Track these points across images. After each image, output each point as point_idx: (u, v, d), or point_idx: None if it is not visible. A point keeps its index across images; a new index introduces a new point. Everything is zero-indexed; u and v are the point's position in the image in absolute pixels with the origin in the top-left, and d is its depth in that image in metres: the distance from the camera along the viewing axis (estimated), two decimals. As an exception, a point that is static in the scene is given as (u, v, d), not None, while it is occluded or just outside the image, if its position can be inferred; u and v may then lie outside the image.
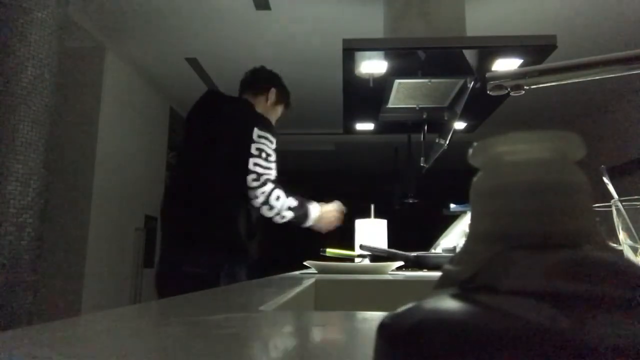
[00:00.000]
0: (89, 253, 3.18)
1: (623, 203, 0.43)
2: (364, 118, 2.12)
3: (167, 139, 4.55)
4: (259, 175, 1.60)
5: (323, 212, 1.78)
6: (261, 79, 1.90)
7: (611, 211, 0.44)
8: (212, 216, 1.64)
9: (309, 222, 1.74)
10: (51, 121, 2.19)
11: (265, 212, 1.62)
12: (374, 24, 2.68)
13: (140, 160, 4.00)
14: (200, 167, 1.67)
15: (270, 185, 1.61)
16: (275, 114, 1.90)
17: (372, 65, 1.58)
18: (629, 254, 0.43)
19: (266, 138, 1.66)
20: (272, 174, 1.65)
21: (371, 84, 1.68)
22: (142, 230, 3.97)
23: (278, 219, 1.65)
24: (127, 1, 2.95)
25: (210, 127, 1.72)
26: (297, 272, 1.22)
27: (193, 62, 3.80)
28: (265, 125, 1.69)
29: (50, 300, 2.95)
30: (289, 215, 1.66)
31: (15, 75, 2.06)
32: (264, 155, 1.64)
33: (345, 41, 1.51)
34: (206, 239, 1.62)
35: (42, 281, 2.19)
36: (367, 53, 1.51)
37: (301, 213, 1.70)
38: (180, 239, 1.66)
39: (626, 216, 0.42)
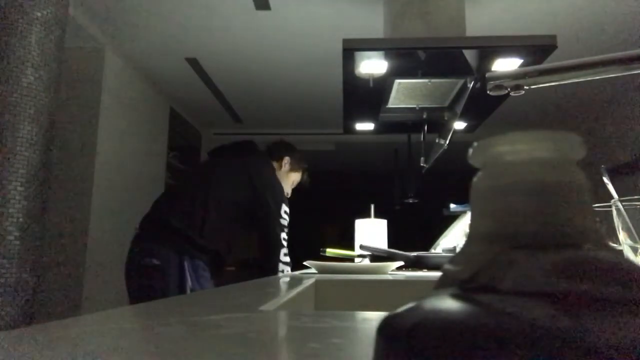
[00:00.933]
0: (89, 253, 3.18)
1: (623, 203, 0.43)
2: (364, 118, 2.12)
3: (167, 139, 4.55)
4: (280, 242, 1.93)
5: None
6: (277, 147, 2.14)
7: (611, 211, 0.44)
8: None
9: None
10: (51, 121, 2.19)
11: (278, 257, 1.90)
12: (374, 24, 2.67)
13: (140, 160, 4.00)
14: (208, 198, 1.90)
15: (283, 243, 1.93)
16: (290, 181, 2.12)
17: (372, 65, 1.58)
18: (629, 254, 0.43)
19: (285, 212, 1.96)
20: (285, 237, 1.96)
21: (371, 84, 1.68)
22: (142, 230, 3.96)
23: (279, 266, 1.89)
24: (127, 1, 2.95)
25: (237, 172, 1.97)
26: (297, 272, 1.21)
27: (193, 62, 3.80)
28: (284, 200, 1.98)
29: (50, 300, 2.95)
30: (286, 269, 1.90)
31: (15, 75, 2.06)
32: (285, 229, 1.96)
33: (345, 41, 1.51)
34: (164, 229, 1.85)
35: (42, 281, 2.19)
36: (367, 53, 1.51)
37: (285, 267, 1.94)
38: (145, 232, 1.93)
39: (626, 216, 0.42)
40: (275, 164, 2.06)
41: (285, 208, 1.93)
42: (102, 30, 3.31)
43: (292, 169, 2.10)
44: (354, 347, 0.25)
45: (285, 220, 1.92)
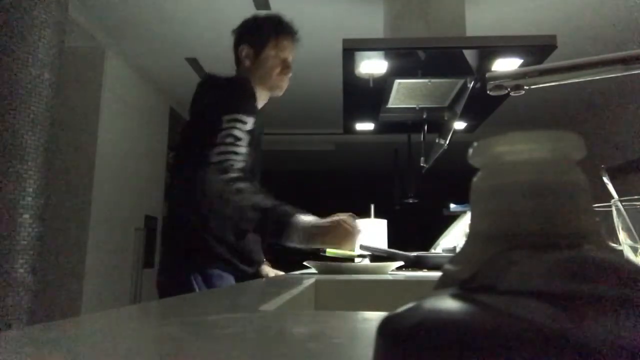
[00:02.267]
0: (89, 253, 3.18)
1: (623, 203, 0.43)
2: (364, 118, 2.12)
3: (167, 139, 4.55)
4: (222, 161, 1.23)
5: (315, 227, 1.21)
6: (234, 46, 1.52)
7: (611, 211, 0.44)
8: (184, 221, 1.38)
9: (288, 240, 1.20)
10: (51, 121, 2.19)
11: (220, 205, 1.21)
12: (374, 24, 2.67)
13: (140, 160, 4.00)
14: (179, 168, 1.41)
15: (232, 172, 1.23)
16: (269, 64, 1.45)
17: (372, 65, 1.58)
18: (629, 254, 0.43)
19: (235, 121, 1.29)
20: (239, 162, 1.26)
21: (371, 84, 1.68)
22: (142, 230, 3.96)
23: (237, 216, 1.21)
24: (127, 1, 2.95)
25: (191, 114, 1.46)
26: (297, 272, 1.21)
27: (193, 62, 3.80)
28: (235, 105, 1.33)
29: (50, 300, 2.95)
30: (254, 217, 1.19)
31: (15, 75, 2.06)
32: (229, 139, 1.27)
33: (345, 41, 1.51)
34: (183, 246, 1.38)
35: (42, 281, 2.19)
36: (367, 53, 1.51)
37: (270, 219, 1.20)
38: (169, 247, 1.44)
39: (626, 216, 0.42)
40: (241, 67, 1.48)
41: (241, 117, 1.29)
42: (102, 30, 3.31)
43: (258, 47, 1.45)
44: (354, 347, 0.25)
45: (239, 132, 1.27)
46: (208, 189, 1.20)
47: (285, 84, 1.51)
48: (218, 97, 1.37)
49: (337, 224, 1.21)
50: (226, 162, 1.23)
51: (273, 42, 1.47)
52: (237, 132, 1.27)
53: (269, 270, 1.57)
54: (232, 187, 1.19)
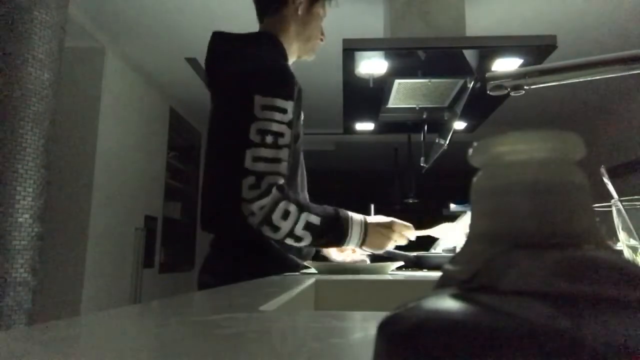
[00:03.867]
0: (89, 253, 3.18)
1: (623, 203, 0.43)
2: (364, 118, 2.12)
3: (167, 139, 4.55)
4: (260, 175, 1.06)
5: (372, 227, 1.17)
6: None
7: (611, 211, 0.44)
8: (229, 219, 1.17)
9: (351, 243, 1.15)
10: (51, 121, 2.19)
11: (269, 234, 1.08)
12: (374, 24, 2.67)
13: (140, 160, 4.00)
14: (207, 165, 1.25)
15: (275, 194, 1.07)
16: (315, 24, 1.31)
17: (372, 65, 1.58)
18: (629, 254, 0.43)
19: (273, 108, 1.09)
20: (282, 169, 1.10)
21: (371, 84, 1.68)
22: (142, 230, 3.96)
23: (291, 242, 1.11)
24: (127, 1, 2.95)
25: (214, 94, 1.26)
26: (297, 272, 1.21)
27: (193, 62, 3.80)
28: (275, 84, 1.13)
29: (50, 300, 2.95)
30: (308, 237, 1.10)
31: (15, 75, 2.06)
32: (269, 139, 1.08)
33: (345, 41, 1.51)
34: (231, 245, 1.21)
35: (42, 281, 2.19)
36: (367, 53, 1.51)
37: (328, 233, 1.12)
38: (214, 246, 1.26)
39: (626, 216, 0.42)
40: (284, 11, 1.27)
41: (280, 107, 1.09)
42: (102, 30, 3.31)
43: (314, 10, 1.29)
44: (354, 347, 0.25)
45: (277, 125, 1.08)
46: (248, 210, 1.05)
47: (313, 54, 1.36)
48: (249, 70, 1.15)
49: (393, 221, 1.20)
50: (263, 175, 1.06)
51: (323, 2, 1.30)
52: (274, 126, 1.09)
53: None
54: (277, 212, 1.06)
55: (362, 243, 1.16)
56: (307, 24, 1.29)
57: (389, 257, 1.24)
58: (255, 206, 1.05)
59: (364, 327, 0.31)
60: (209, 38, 1.34)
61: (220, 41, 1.28)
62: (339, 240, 1.14)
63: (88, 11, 3.06)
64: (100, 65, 3.36)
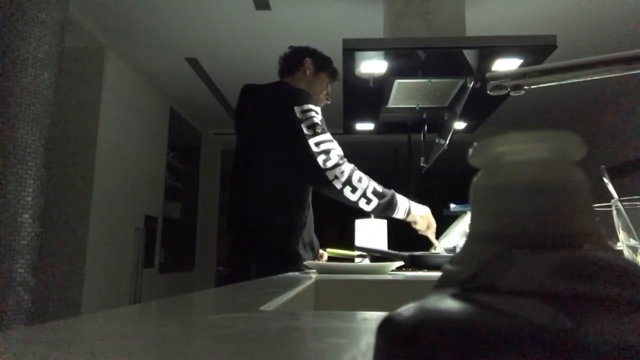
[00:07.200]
0: (89, 253, 3.18)
1: (623, 203, 0.43)
2: (364, 118, 2.12)
3: (167, 139, 4.55)
4: (327, 152, 1.37)
5: (414, 208, 1.49)
6: (293, 55, 1.71)
7: (611, 211, 0.44)
8: (271, 223, 1.48)
9: (399, 213, 1.45)
10: (51, 121, 2.19)
11: (348, 194, 1.36)
12: (374, 24, 2.67)
13: (140, 160, 4.00)
14: (257, 169, 1.51)
15: (347, 163, 1.38)
16: (320, 84, 1.67)
17: (372, 65, 1.58)
18: (629, 254, 0.43)
19: (310, 110, 1.43)
20: (338, 147, 1.42)
21: (371, 84, 1.68)
22: (142, 230, 3.96)
23: (362, 204, 1.38)
24: (127, 1, 2.95)
25: (254, 122, 1.56)
26: (297, 272, 1.21)
27: (193, 62, 3.80)
28: (303, 97, 1.48)
29: (51, 300, 2.95)
30: (375, 200, 1.38)
31: (15, 75, 2.06)
32: (319, 129, 1.40)
33: (345, 41, 1.51)
34: (268, 246, 1.47)
35: (42, 281, 2.19)
36: (367, 53, 1.51)
37: (387, 200, 1.41)
38: (245, 245, 1.52)
39: (626, 216, 0.42)
40: (298, 73, 1.66)
41: (314, 109, 1.45)
42: (102, 30, 3.31)
43: (319, 67, 1.67)
44: (354, 347, 0.25)
45: (316, 119, 1.42)
46: (332, 175, 1.35)
47: (322, 105, 1.67)
48: (283, 94, 1.52)
49: (428, 212, 1.52)
50: (329, 151, 1.37)
51: (329, 73, 1.70)
52: (317, 119, 1.42)
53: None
54: (355, 175, 1.37)
55: (407, 216, 1.46)
56: (313, 83, 1.66)
57: (385, 258, 1.24)
58: (337, 171, 1.35)
59: (364, 327, 0.31)
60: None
61: (249, 93, 1.64)
62: (393, 209, 1.43)
63: (88, 11, 3.06)
64: (100, 65, 3.36)
